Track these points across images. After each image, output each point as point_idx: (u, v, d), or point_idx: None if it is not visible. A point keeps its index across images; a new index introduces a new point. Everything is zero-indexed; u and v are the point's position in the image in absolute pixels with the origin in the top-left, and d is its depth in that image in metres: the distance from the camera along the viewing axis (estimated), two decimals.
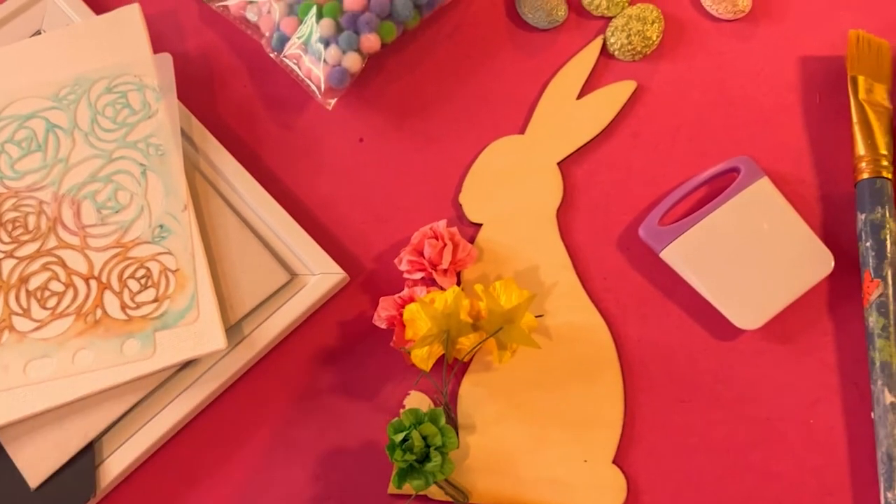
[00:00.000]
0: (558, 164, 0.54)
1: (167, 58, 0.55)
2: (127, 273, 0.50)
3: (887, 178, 0.50)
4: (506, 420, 0.49)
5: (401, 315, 0.49)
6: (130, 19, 0.56)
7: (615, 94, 0.55)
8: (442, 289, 0.50)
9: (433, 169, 0.55)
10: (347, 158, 0.55)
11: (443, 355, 0.49)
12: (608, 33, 0.57)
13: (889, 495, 0.45)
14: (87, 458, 0.47)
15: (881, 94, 0.53)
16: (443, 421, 0.46)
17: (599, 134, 0.55)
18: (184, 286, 0.49)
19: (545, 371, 0.50)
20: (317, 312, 0.51)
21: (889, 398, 0.46)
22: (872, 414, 0.47)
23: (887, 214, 0.50)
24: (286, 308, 0.50)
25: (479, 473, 0.48)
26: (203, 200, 0.52)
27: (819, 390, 0.48)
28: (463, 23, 0.58)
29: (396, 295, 0.50)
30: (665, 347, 0.50)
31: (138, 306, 0.49)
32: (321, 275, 0.50)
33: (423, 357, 0.48)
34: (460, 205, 0.54)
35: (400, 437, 0.45)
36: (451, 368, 0.50)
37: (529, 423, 0.49)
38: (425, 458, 0.45)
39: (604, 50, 0.57)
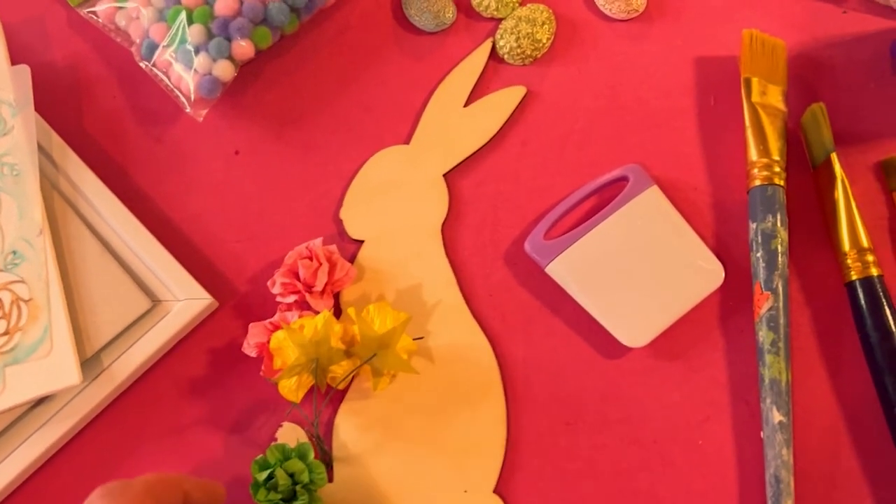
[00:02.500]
0: (444, 175, 0.52)
1: (24, 69, 0.51)
2: None
3: (779, 185, 0.48)
4: (383, 450, 0.46)
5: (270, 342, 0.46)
6: None
7: (504, 101, 0.53)
8: (316, 312, 0.47)
9: (313, 182, 0.52)
10: (221, 173, 0.52)
11: (314, 385, 0.46)
12: (497, 36, 0.54)
13: None
14: None
15: (775, 97, 0.51)
16: (311, 456, 0.43)
17: (487, 143, 0.52)
18: (37, 317, 0.46)
19: (426, 396, 0.47)
20: (184, 340, 0.48)
21: (778, 417, 0.44)
22: (762, 433, 0.45)
23: (778, 223, 0.48)
24: (148, 337, 0.47)
25: None
26: (61, 223, 0.49)
27: (708, 408, 0.47)
28: (346, 26, 0.55)
29: (267, 320, 0.47)
30: (551, 367, 0.48)
31: None
32: (186, 300, 0.47)
33: (291, 388, 0.45)
34: (342, 220, 0.51)
35: (264, 475, 0.43)
36: (324, 398, 0.47)
37: (408, 452, 0.46)
38: (292, 496, 0.43)
39: (493, 54, 0.54)
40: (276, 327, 0.46)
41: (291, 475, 0.43)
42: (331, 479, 0.46)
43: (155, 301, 0.48)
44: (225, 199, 0.51)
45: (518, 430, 0.47)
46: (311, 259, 0.48)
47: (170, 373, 0.48)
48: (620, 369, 0.47)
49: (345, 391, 0.47)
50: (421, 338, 0.48)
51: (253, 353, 0.46)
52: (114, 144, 0.53)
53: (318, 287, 0.47)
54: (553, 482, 0.46)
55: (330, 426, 0.47)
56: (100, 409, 0.47)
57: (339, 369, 0.45)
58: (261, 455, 0.43)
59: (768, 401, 0.45)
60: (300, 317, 0.46)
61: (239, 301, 0.49)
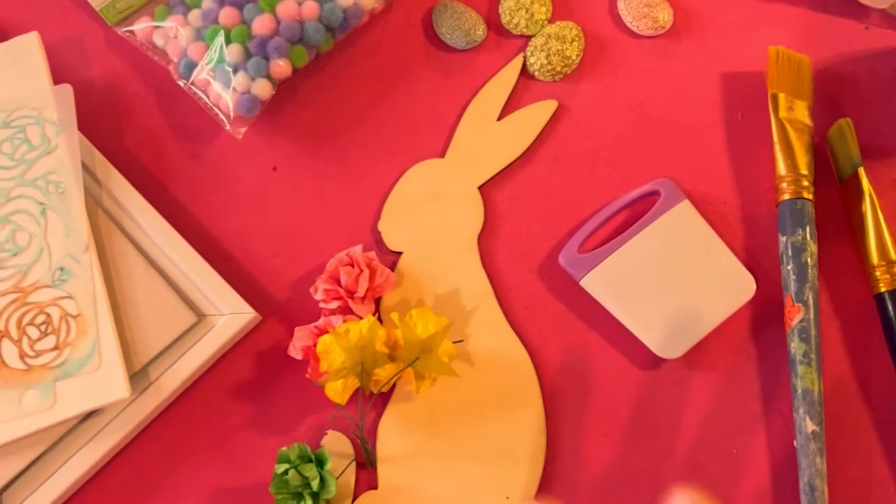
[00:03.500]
0: (479, 188, 0.53)
1: (67, 89, 0.52)
2: (26, 319, 0.47)
3: (808, 199, 0.50)
4: (426, 454, 0.47)
5: (316, 346, 0.47)
6: (28, 49, 0.53)
7: (536, 115, 0.54)
8: (359, 317, 0.48)
9: (350, 196, 0.53)
10: (260, 189, 0.53)
11: (359, 387, 0.47)
12: (528, 53, 0.55)
13: None
14: None
15: (802, 112, 0.52)
16: (328, 466, 0.45)
17: (520, 157, 0.53)
18: (85, 332, 0.47)
19: (467, 401, 0.49)
20: (228, 352, 0.49)
21: (811, 426, 0.46)
22: (795, 443, 0.46)
23: (808, 237, 0.49)
24: (194, 351, 0.48)
25: None
26: (106, 239, 0.50)
27: (742, 419, 0.48)
28: (379, 44, 0.56)
29: (312, 324, 0.48)
30: (587, 378, 0.49)
31: (38, 355, 0.47)
32: (230, 315, 0.48)
33: (337, 391, 0.46)
34: (379, 232, 0.52)
35: (283, 468, 0.44)
36: (368, 401, 0.48)
37: (450, 457, 0.47)
38: (300, 497, 0.44)
39: (524, 70, 0.55)
40: (321, 331, 0.47)
41: (306, 477, 0.44)
42: (376, 483, 0.47)
43: (200, 316, 0.49)
44: (265, 214, 0.53)
45: (556, 438, 0.48)
46: (351, 265, 0.49)
47: (215, 384, 0.49)
48: (655, 380, 0.48)
49: (388, 395, 0.48)
50: (461, 341, 0.49)
51: (298, 356, 0.48)
52: (153, 162, 0.54)
53: (360, 293, 0.48)
54: (592, 491, 0.47)
55: (374, 429, 0.48)
56: (148, 421, 0.48)
57: (383, 372, 0.46)
58: (286, 448, 0.44)
59: (801, 411, 0.46)
60: (344, 321, 0.47)
61: (282, 308, 0.50)
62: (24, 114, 0.52)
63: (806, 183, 0.50)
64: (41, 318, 0.47)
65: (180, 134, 0.54)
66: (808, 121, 0.52)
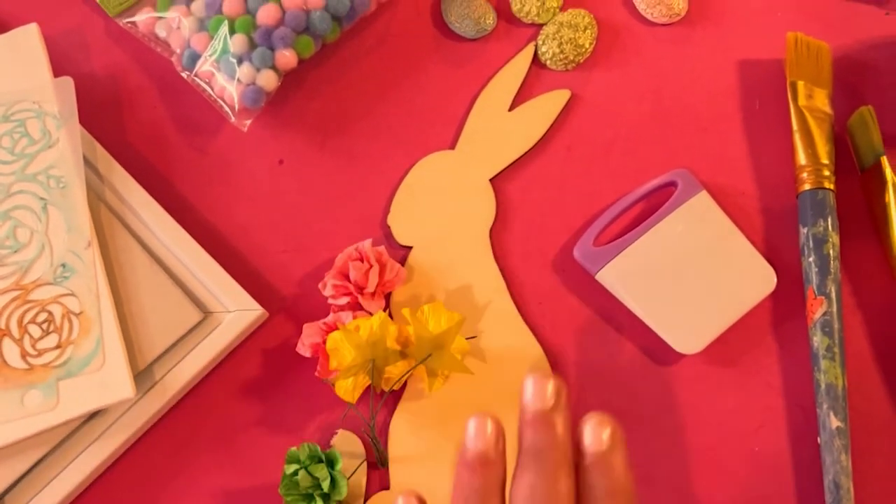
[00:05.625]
0: (490, 180, 0.52)
1: (68, 81, 0.51)
2: (27, 318, 0.46)
3: (829, 189, 0.48)
4: (439, 453, 0.46)
5: (325, 343, 0.46)
6: (28, 41, 0.52)
7: (548, 105, 0.53)
8: (369, 314, 0.47)
9: (359, 190, 0.52)
10: (266, 183, 0.52)
11: (370, 385, 0.46)
12: (539, 42, 0.54)
13: None
14: None
15: (821, 100, 0.51)
16: (339, 466, 0.44)
17: (533, 147, 0.52)
18: (88, 330, 0.46)
19: (480, 398, 0.47)
20: (235, 349, 0.48)
21: (835, 422, 0.44)
22: (819, 439, 0.45)
23: (830, 228, 0.47)
24: (200, 349, 0.47)
25: None
26: (109, 235, 0.48)
27: (763, 415, 0.46)
28: (387, 34, 0.55)
29: (321, 321, 0.47)
30: (604, 375, 0.47)
31: (40, 354, 0.45)
32: (237, 311, 0.47)
33: (347, 388, 0.45)
34: (389, 227, 0.51)
35: (292, 468, 0.43)
36: (380, 399, 0.47)
37: None
38: (310, 498, 0.43)
39: (535, 59, 0.54)
40: (331, 328, 0.46)
41: (316, 478, 0.43)
42: (388, 483, 0.46)
43: (206, 313, 0.47)
44: (271, 208, 0.51)
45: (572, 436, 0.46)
46: (361, 260, 0.47)
47: (221, 382, 0.48)
48: (674, 376, 0.47)
49: (399, 393, 0.47)
50: (474, 337, 0.48)
51: (307, 354, 0.46)
52: (157, 155, 0.53)
53: (370, 288, 0.47)
54: None
55: (385, 428, 0.47)
56: (153, 420, 0.47)
57: (395, 370, 0.45)
58: (295, 448, 0.43)
59: (825, 406, 0.45)
60: (354, 318, 0.46)
61: (290, 305, 0.49)
62: (25, 107, 0.51)
63: (827, 172, 0.49)
64: (43, 316, 0.46)
65: (184, 127, 0.53)
66: (828, 109, 0.51)
